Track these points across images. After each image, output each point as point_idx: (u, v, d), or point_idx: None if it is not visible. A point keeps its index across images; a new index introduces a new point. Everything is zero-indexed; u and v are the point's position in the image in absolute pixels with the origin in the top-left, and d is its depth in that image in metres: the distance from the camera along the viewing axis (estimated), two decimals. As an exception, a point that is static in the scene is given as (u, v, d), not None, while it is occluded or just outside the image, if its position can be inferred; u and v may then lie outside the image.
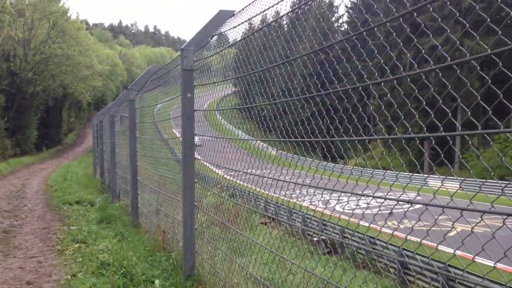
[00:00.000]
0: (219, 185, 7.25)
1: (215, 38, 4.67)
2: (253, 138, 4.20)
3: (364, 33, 2.52)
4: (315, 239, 17.95)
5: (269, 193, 3.83)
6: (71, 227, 7.96)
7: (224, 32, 4.70)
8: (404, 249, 13.44)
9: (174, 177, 6.53)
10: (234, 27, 4.54)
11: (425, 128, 2.24)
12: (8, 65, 41.07)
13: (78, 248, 6.16)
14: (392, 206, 2.51)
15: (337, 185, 2.84)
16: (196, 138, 5.84)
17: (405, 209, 2.48)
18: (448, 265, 11.97)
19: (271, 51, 3.65)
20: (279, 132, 3.55)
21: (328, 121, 3.31)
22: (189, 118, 4.60)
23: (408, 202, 2.27)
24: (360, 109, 3.05)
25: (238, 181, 5.61)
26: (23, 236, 7.51)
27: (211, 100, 5.55)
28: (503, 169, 33.95)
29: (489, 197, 2.11)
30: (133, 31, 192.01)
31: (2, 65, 40.09)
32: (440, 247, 2.26)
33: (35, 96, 45.98)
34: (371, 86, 2.51)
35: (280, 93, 4.10)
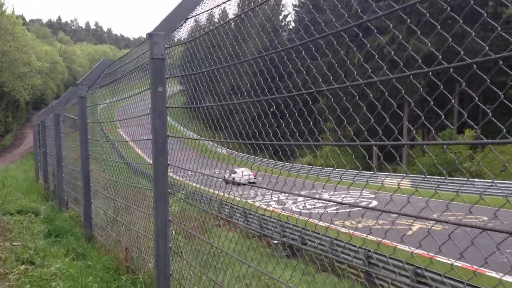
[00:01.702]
0: (182, 189, 6.59)
1: (190, 21, 3.96)
2: (213, 140, 3.99)
3: (313, 30, 2.56)
4: (274, 242, 17.53)
5: (223, 194, 3.80)
6: (14, 243, 6.94)
7: (198, 14, 4.02)
8: (369, 250, 13.21)
9: (130, 184, 5.77)
10: (211, 9, 3.88)
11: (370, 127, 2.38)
12: None
13: (25, 271, 5.24)
14: (339, 206, 2.43)
15: (290, 184, 2.78)
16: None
17: (360, 209, 2.40)
18: (411, 265, 11.84)
19: (218, 49, 3.65)
20: (226, 133, 3.61)
21: (277, 119, 3.21)
22: (160, 116, 3.87)
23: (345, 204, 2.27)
24: (306, 109, 3.00)
25: (188, 182, 5.13)
26: (-45, 257, 6.43)
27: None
28: (448, 166, 35.13)
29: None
30: (73, 27, 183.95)
31: None
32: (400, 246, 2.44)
33: (-34, 95, 42.70)
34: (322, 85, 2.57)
35: (230, 90, 3.84)
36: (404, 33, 41.63)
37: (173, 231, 4.12)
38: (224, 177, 3.69)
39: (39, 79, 54.23)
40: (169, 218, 3.98)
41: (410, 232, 16.73)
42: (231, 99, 3.49)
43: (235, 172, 4.03)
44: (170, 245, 4.02)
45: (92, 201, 7.22)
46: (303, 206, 22.48)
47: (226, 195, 3.93)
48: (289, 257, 16.74)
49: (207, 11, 3.91)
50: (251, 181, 4.97)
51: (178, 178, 5.14)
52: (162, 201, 3.91)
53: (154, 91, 3.84)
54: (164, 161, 3.90)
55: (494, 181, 23.89)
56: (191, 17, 3.89)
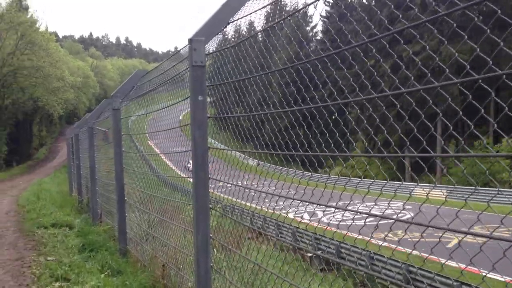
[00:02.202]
0: (217, 202, 6.38)
1: (230, 26, 3.75)
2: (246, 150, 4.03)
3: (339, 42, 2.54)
4: (309, 255, 17.09)
5: (254, 206, 3.74)
6: (48, 258, 6.85)
7: (239, 19, 3.81)
8: (409, 265, 12.67)
9: (165, 197, 5.59)
10: (250, 13, 3.67)
11: (407, 142, 2.31)
12: (-26, 78, 39.13)
13: (59, 289, 5.09)
14: (379, 219, 2.32)
15: (320, 195, 2.73)
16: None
17: (394, 220, 2.31)
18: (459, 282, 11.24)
19: (245, 60, 3.64)
20: (256, 142, 3.56)
21: (306, 130, 3.16)
22: (200, 127, 3.65)
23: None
24: (335, 116, 2.98)
25: (217, 193, 5.02)
26: (-10, 272, 6.36)
27: (185, 111, 5.09)
28: (486, 176, 33.95)
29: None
30: (104, 43, 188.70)
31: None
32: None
33: (3, 109, 43.94)
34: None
35: (258, 101, 3.84)
36: (435, 41, 40.82)
37: (214, 249, 3.87)
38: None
39: (72, 93, 55.44)
40: (211, 234, 3.75)
41: (449, 245, 16.08)
42: (260, 110, 3.44)
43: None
44: (211, 263, 3.77)
45: (126, 215, 7.07)
46: (337, 218, 21.99)
47: (259, 207, 3.76)
48: (324, 271, 16.32)
49: (247, 15, 3.70)
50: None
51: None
52: (202, 216, 3.67)
53: (194, 100, 3.63)
54: (205, 175, 3.67)
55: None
56: (232, 22, 3.68)
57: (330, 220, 4.06)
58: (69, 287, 5.06)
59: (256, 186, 3.54)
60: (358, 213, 2.61)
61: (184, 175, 5.50)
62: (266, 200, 3.34)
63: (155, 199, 6.16)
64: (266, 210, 3.68)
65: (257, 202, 3.57)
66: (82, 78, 73.21)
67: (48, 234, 9.08)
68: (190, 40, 3.59)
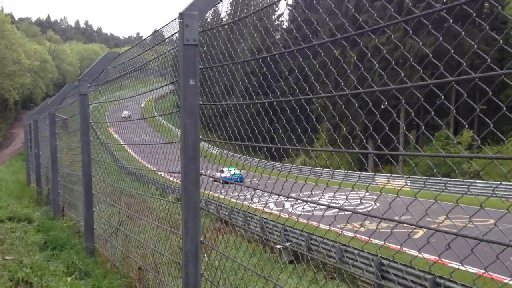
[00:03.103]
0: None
1: (227, -1, 3.29)
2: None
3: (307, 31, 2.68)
4: (278, 246, 16.82)
5: (219, 196, 3.68)
6: (7, 257, 6.19)
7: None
8: (381, 257, 12.59)
9: (141, 193, 5.09)
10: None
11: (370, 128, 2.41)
12: None
13: (20, 296, 4.50)
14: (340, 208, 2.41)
15: (285, 184, 2.78)
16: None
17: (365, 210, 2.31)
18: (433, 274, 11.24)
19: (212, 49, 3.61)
20: (219, 132, 3.53)
21: (270, 120, 3.27)
22: (191, 115, 3.17)
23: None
24: (300, 111, 3.00)
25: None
26: None
27: (147, 99, 5.49)
28: (446, 167, 34.71)
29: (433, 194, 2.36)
30: (62, 26, 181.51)
31: None
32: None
33: (-47, 94, 41.42)
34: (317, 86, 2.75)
35: (224, 91, 3.70)
36: (401, 33, 41.31)
37: (204, 255, 3.43)
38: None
39: (28, 78, 52.99)
40: (201, 239, 3.29)
41: (416, 236, 16.17)
42: (224, 99, 3.42)
43: (222, 171, 3.65)
44: (201, 271, 3.33)
45: (94, 210, 6.49)
46: (302, 208, 21.84)
47: (222, 197, 3.70)
48: (293, 263, 16.08)
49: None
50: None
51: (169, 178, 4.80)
52: (192, 218, 3.22)
53: (185, 85, 3.15)
54: (196, 170, 3.20)
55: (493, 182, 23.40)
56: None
57: (297, 211, 3.95)
58: (32, 293, 4.49)
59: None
60: (324, 206, 2.57)
61: (153, 168, 5.07)
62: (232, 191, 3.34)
63: (126, 194, 5.63)
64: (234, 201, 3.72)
65: (224, 193, 3.53)
66: (39, 62, 70.20)
67: (5, 229, 8.33)
68: (182, 15, 3.09)
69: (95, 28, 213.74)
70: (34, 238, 7.27)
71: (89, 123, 6.62)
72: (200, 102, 3.23)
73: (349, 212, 2.39)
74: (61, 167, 9.67)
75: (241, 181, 3.63)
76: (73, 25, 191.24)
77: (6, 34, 43.96)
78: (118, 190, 5.98)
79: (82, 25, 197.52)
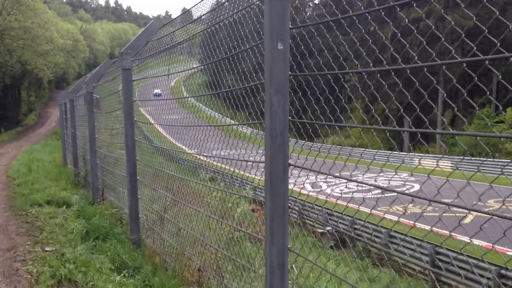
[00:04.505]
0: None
1: None
2: (238, 123, 3.89)
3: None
4: (320, 230, 16.14)
5: (252, 176, 3.50)
6: (47, 249, 5.72)
7: None
8: (436, 245, 11.75)
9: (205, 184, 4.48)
10: None
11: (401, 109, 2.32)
12: (-43, 39, 37.00)
13: (65, 299, 3.95)
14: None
15: (319, 165, 2.57)
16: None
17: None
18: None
19: (240, 26, 3.51)
20: (247, 112, 3.47)
21: (301, 100, 3.01)
22: (279, 91, 2.45)
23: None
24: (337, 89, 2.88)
25: (213, 162, 4.91)
26: (-24, 268, 5.20)
27: (177, 78, 5.47)
28: (490, 146, 33.06)
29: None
30: (93, 5, 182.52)
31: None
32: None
33: (-11, 73, 41.91)
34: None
35: (252, 69, 3.47)
36: (442, 5, 39.35)
37: (293, 265, 2.74)
38: None
39: (62, 57, 53.29)
40: (289, 245, 2.61)
41: (468, 220, 15.16)
42: (253, 78, 3.26)
43: None
44: (289, 282, 2.65)
45: (139, 197, 5.92)
46: (340, 190, 21.00)
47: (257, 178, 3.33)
48: (334, 248, 15.38)
49: None
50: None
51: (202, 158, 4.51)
52: (279, 221, 2.53)
53: (271, 50, 2.43)
54: (285, 159, 2.50)
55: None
56: None
57: (335, 193, 3.44)
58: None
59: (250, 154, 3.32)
60: (365, 185, 2.44)
61: (193, 151, 4.58)
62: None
63: (181, 182, 5.01)
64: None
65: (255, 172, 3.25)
66: (71, 42, 70.57)
67: (43, 214, 7.92)
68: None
69: (124, 7, 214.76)
70: (75, 225, 6.80)
71: (133, 102, 6.00)
72: (290, 74, 2.50)
73: (393, 194, 2.22)
74: (99, 148, 9.18)
75: None
76: (103, 4, 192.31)
77: (39, 13, 43.92)
78: (172, 178, 5.38)
79: (112, 4, 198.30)
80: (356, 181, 2.36)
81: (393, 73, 2.34)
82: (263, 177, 2.55)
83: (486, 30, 1.72)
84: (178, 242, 4.61)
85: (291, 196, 2.58)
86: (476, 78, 1.82)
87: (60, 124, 18.92)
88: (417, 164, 25.81)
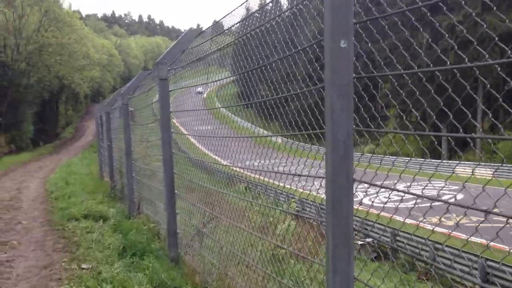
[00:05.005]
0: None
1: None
2: (272, 135, 3.77)
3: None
4: (359, 242, 15.56)
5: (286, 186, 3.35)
6: (83, 266, 5.53)
7: None
8: (486, 259, 11.07)
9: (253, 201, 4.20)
10: None
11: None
12: (-2, 56, 38.36)
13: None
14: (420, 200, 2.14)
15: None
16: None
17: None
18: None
19: (271, 36, 3.49)
20: (281, 121, 3.41)
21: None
22: (343, 93, 2.12)
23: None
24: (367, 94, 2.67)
25: (247, 173, 4.56)
26: (11, 287, 5.03)
27: (209, 89, 5.51)
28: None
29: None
30: (127, 21, 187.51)
31: (-8, 57, 37.46)
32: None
33: (29, 88, 43.15)
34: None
35: (284, 78, 3.55)
36: (478, 9, 38.13)
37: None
38: None
39: (98, 71, 54.55)
40: (354, 274, 2.26)
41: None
42: (286, 87, 3.32)
43: None
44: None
45: (177, 212, 5.67)
46: (377, 199, 20.30)
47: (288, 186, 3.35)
48: (375, 260, 14.78)
49: None
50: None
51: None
52: (343, 246, 2.18)
53: (332, 49, 2.10)
54: (349, 173, 2.16)
55: None
56: None
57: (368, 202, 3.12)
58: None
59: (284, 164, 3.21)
60: (410, 195, 2.26)
61: (227, 163, 4.41)
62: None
63: (219, 196, 4.73)
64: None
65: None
66: (107, 56, 72.32)
67: (80, 228, 7.80)
68: None
69: (157, 21, 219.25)
70: (111, 240, 6.62)
71: (170, 113, 5.79)
72: (354, 75, 2.17)
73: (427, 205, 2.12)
74: (135, 161, 9.04)
75: None
76: (136, 20, 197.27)
77: (75, 29, 45.17)
78: (203, 189, 5.13)
79: (145, 19, 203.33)
80: (424, 196, 2.14)
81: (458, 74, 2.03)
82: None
83: None
84: (219, 260, 4.31)
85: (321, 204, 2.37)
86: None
87: (97, 137, 19.09)
88: (469, 173, 24.81)
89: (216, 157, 5.25)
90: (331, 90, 2.13)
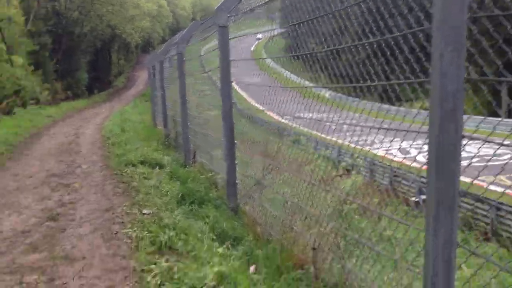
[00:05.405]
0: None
1: None
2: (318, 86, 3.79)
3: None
4: (414, 199, 15.21)
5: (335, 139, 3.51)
6: (144, 211, 5.61)
7: None
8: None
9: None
10: None
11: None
12: (52, 4, 38.98)
13: (168, 271, 3.71)
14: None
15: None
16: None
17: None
18: None
19: None
20: (330, 73, 3.36)
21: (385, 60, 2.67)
22: (454, 38, 1.86)
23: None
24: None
25: (294, 125, 4.51)
26: (76, 228, 5.17)
27: (258, 42, 6.64)
28: None
29: None
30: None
31: (47, 5, 38.10)
32: None
33: (82, 37, 44.01)
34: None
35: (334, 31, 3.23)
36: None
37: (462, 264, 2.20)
38: None
39: (148, 21, 54.71)
40: (456, 240, 2.06)
41: None
42: (336, 39, 3.17)
43: None
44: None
45: (237, 162, 5.60)
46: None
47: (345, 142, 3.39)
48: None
49: None
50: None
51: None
52: (447, 208, 1.98)
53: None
54: (458, 131, 1.93)
55: None
56: None
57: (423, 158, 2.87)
58: (182, 269, 3.67)
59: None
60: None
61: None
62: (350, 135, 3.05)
63: (279, 150, 4.60)
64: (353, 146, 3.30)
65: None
66: (156, 7, 72.21)
67: (137, 174, 7.94)
68: None
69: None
70: (169, 187, 6.69)
71: (230, 61, 5.61)
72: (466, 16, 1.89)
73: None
74: (189, 110, 9.02)
75: None
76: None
77: (125, -21, 45.12)
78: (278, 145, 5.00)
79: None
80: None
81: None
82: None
83: None
84: (285, 215, 4.21)
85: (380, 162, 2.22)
86: None
87: (150, 85, 19.30)
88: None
89: (270, 113, 5.19)
90: (439, 36, 1.88)
